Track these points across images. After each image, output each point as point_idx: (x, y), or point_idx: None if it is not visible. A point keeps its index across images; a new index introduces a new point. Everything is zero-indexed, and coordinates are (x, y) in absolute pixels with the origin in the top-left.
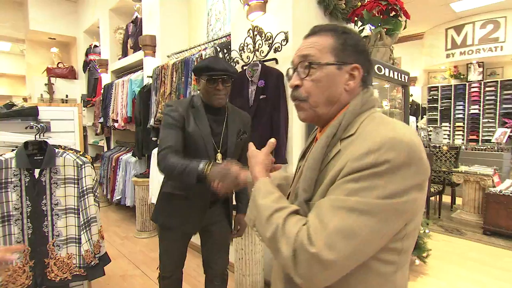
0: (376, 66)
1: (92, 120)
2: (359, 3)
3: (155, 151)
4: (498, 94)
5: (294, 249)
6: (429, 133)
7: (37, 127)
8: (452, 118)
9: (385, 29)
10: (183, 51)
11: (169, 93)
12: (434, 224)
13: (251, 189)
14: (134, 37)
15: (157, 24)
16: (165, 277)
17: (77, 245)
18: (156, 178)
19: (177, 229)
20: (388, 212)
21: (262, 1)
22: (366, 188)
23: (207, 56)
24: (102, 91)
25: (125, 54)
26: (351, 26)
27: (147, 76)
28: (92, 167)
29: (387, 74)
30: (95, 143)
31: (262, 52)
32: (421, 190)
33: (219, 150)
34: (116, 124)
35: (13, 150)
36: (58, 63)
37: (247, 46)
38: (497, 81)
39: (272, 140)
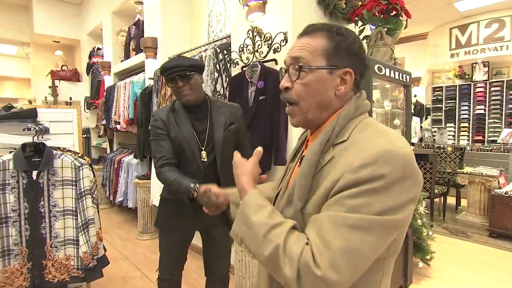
0: (376, 66)
1: (95, 122)
2: (359, 3)
3: None
4: (504, 94)
5: (298, 270)
6: (434, 133)
7: (35, 129)
8: (457, 118)
9: (385, 29)
10: (184, 52)
11: (170, 94)
12: (439, 226)
13: (234, 202)
14: (136, 39)
15: (158, 26)
16: (164, 279)
17: (75, 246)
18: (158, 180)
19: (175, 233)
20: (386, 227)
21: (262, 2)
22: (365, 204)
23: (207, 57)
24: (104, 93)
25: (127, 56)
26: (351, 26)
27: (149, 78)
28: (91, 168)
29: (387, 74)
30: (98, 145)
31: (262, 53)
32: (415, 201)
33: (203, 148)
34: (118, 126)
35: (11, 152)
36: (62, 65)
37: (246, 47)
38: (503, 80)
39: (259, 148)
